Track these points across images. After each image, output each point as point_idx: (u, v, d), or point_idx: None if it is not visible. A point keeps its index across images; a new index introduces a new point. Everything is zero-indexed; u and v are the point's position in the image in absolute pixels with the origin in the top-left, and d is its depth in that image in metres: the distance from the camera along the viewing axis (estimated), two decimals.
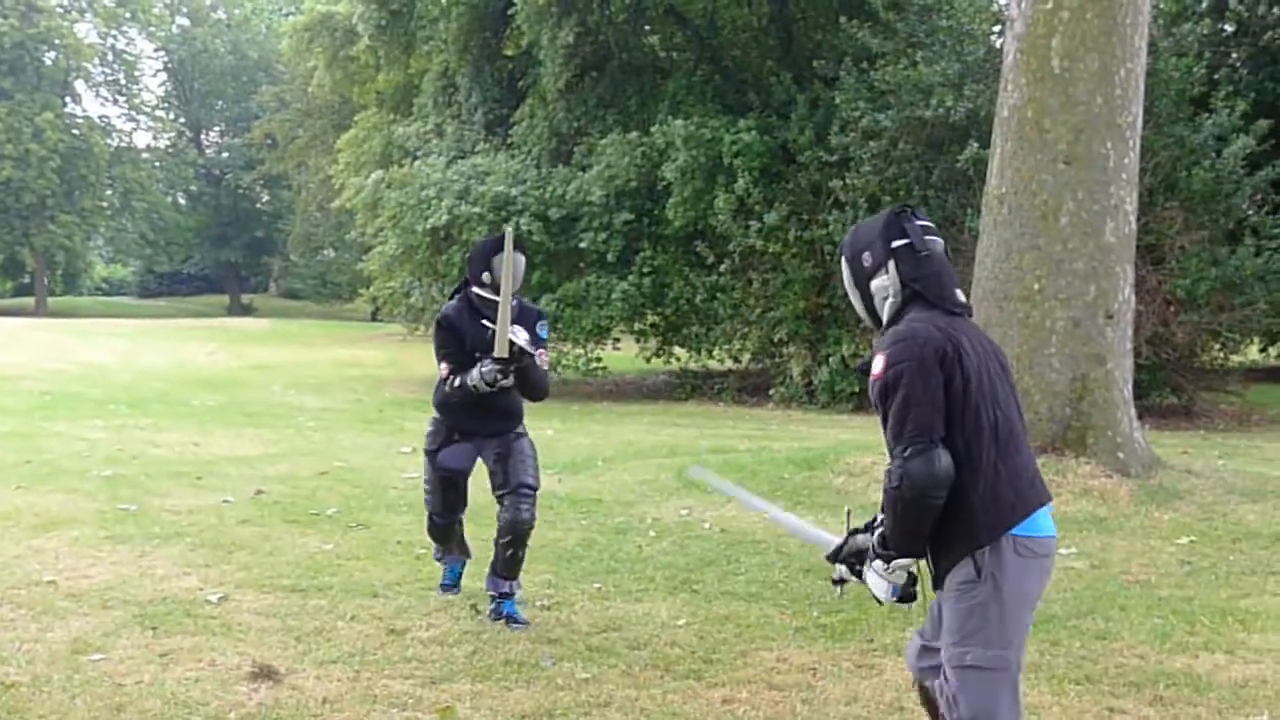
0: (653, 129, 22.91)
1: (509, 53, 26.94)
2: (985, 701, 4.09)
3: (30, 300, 62.15)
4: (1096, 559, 8.88)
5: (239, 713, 5.64)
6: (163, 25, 69.94)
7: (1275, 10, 24.41)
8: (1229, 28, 26.18)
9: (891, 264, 4.23)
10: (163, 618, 7.15)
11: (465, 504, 7.87)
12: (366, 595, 7.72)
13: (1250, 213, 20.20)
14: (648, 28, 26.38)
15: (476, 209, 22.82)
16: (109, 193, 65.34)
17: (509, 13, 24.63)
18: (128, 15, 66.61)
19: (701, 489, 11.52)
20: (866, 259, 4.29)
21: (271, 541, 9.34)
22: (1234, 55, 25.52)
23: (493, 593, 7.30)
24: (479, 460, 7.66)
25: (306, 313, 61.24)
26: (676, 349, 24.78)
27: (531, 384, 7.27)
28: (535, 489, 7.42)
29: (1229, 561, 8.85)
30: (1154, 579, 8.37)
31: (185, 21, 71.68)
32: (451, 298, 7.51)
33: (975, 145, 18.33)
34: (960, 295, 4.25)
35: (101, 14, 66.42)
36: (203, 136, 74.19)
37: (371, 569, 8.47)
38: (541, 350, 7.13)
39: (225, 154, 72.35)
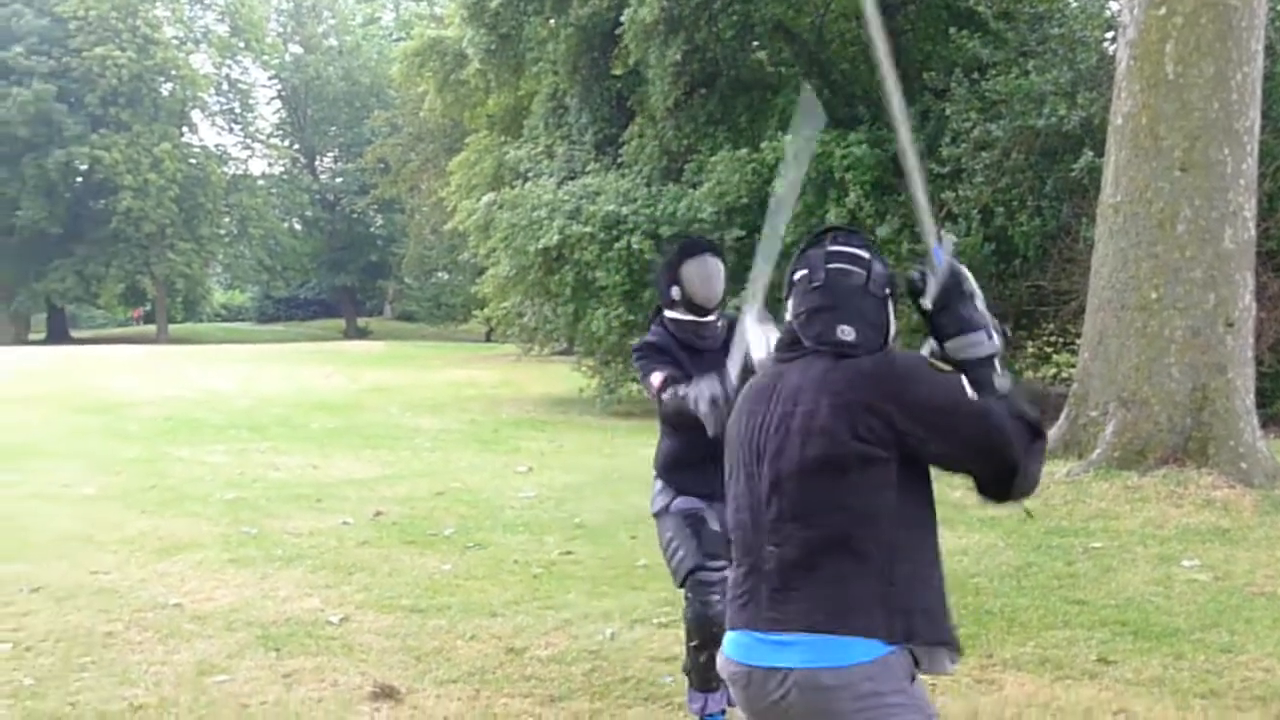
0: (762, 144, 22.88)
1: (617, 72, 26.98)
2: None
3: (152, 328, 63.30)
4: (1220, 570, 8.73)
5: None
6: (276, 53, 71.07)
7: None
8: None
9: (789, 298, 3.60)
10: (285, 639, 7.27)
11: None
12: (484, 615, 7.80)
13: None
14: (755, 43, 26.32)
15: (588, 228, 22.90)
16: (226, 220, 66.46)
17: (616, 33, 24.69)
18: (241, 45, 67.82)
19: None
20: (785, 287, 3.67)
21: (390, 562, 9.46)
22: None
23: (694, 710, 5.96)
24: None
25: (421, 335, 61.81)
26: None
27: None
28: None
29: None
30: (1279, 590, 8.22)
31: (298, 49, 72.76)
32: (647, 329, 6.30)
33: (1090, 154, 18.09)
34: (845, 332, 3.42)
35: (216, 44, 67.71)
36: (317, 162, 75.20)
37: (489, 588, 8.55)
38: None
39: (339, 179, 73.28)
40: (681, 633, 6.99)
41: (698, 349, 5.83)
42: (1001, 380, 3.42)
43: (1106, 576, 8.65)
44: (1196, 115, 11.34)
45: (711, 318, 5.95)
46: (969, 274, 3.52)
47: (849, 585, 3.23)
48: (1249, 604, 7.90)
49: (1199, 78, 11.37)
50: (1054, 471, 11.36)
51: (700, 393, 5.00)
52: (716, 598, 5.67)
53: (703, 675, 5.77)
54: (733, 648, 3.40)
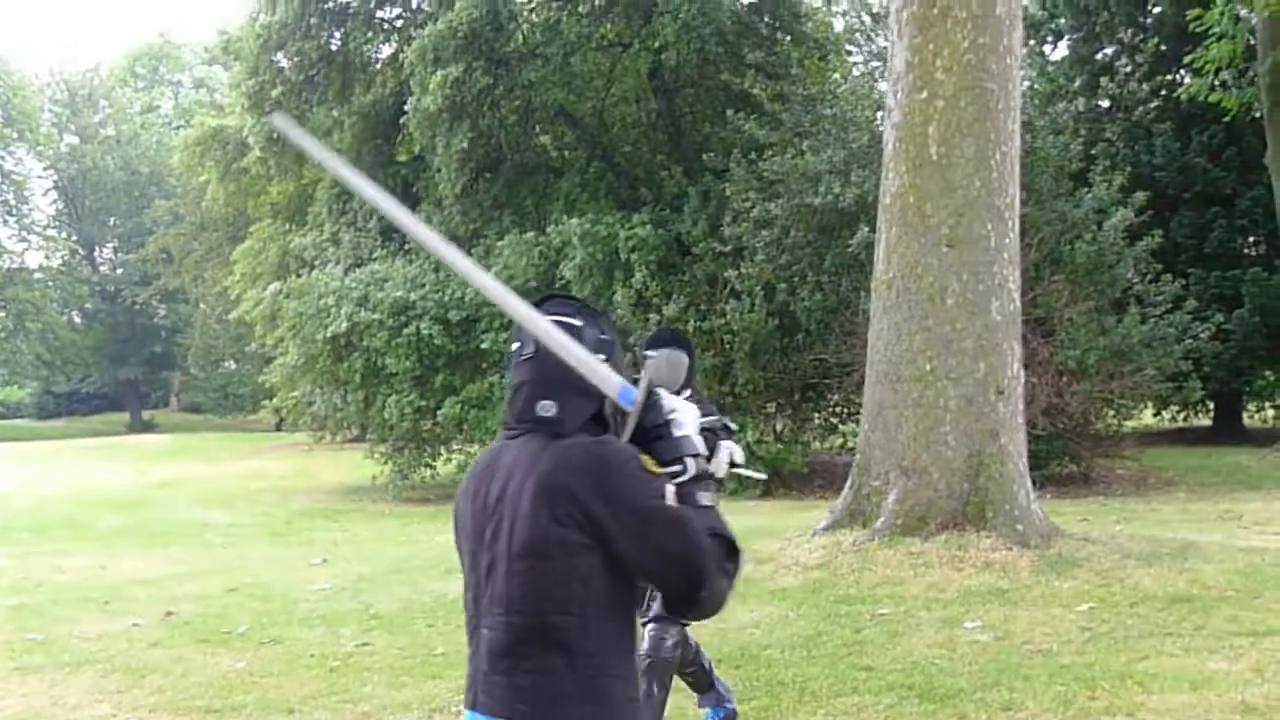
0: (549, 228, 23.16)
1: (402, 158, 27.12)
2: None
3: None
4: (1000, 630, 9.07)
5: None
6: (51, 143, 69.53)
7: (1144, 86, 25.20)
8: (1104, 104, 26.99)
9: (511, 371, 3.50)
10: None
11: None
12: (281, 712, 7.75)
13: (1134, 282, 20.72)
14: (538, 129, 26.70)
15: (376, 315, 22.92)
16: (1, 315, 64.57)
17: (400, 120, 24.84)
18: (15, 135, 66.19)
19: None
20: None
21: (184, 663, 9.32)
22: (1109, 131, 26.29)
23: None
24: None
25: (209, 426, 60.69)
26: None
27: None
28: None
29: (1127, 625, 9.07)
30: (1056, 647, 8.57)
31: (74, 139, 71.30)
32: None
33: (865, 229, 18.68)
34: (545, 408, 3.30)
35: None
36: (96, 253, 73.56)
37: (285, 684, 8.48)
38: None
39: (120, 270, 71.75)
40: None
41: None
42: (706, 495, 3.29)
43: (893, 641, 8.93)
44: (960, 193, 11.85)
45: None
46: (663, 401, 3.29)
47: (550, 676, 3.18)
48: (1027, 662, 8.23)
49: (961, 157, 11.88)
50: (841, 541, 11.68)
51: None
52: (668, 645, 6.36)
53: (696, 685, 6.77)
54: None
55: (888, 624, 9.45)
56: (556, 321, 3.30)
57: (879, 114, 21.98)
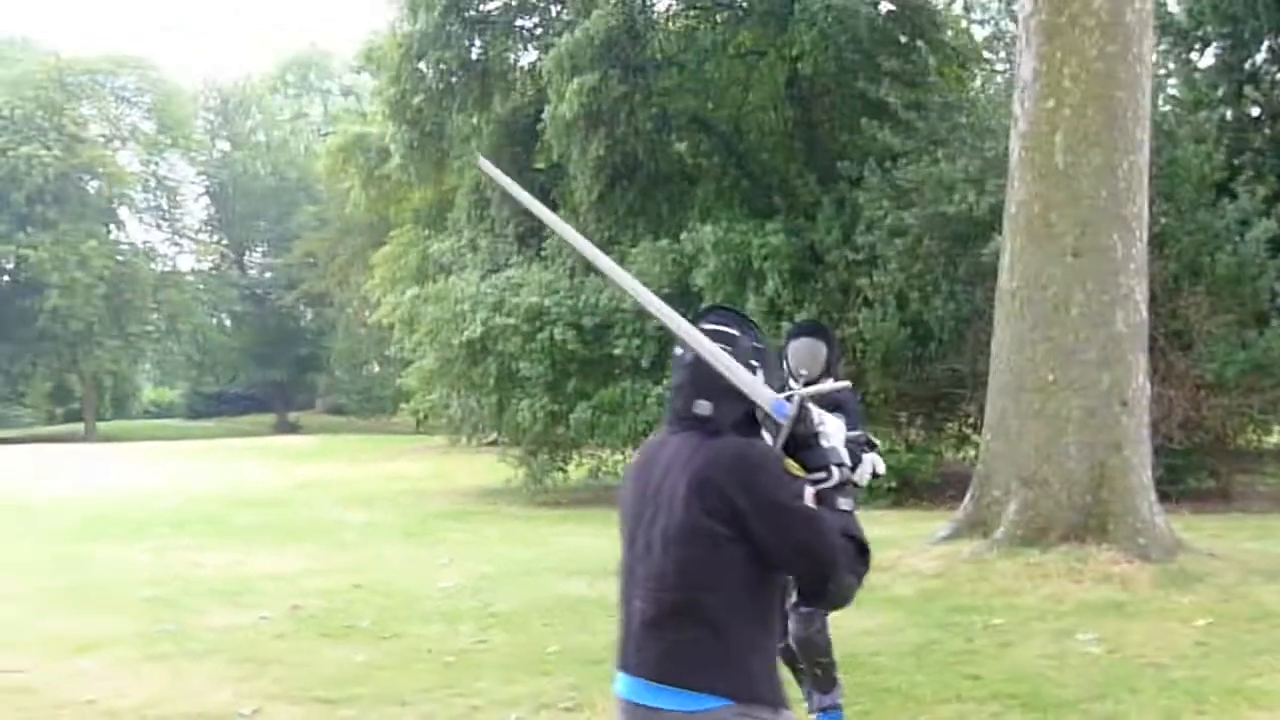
0: (682, 235, 23.27)
1: (539, 165, 27.42)
2: None
3: (80, 426, 62.85)
4: (1113, 643, 9.01)
5: None
6: (203, 150, 71.24)
7: None
8: (1254, 112, 26.48)
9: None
10: None
11: None
12: (394, 703, 7.94)
13: (1279, 294, 20.31)
14: (674, 136, 26.80)
15: (511, 320, 23.16)
16: (155, 316, 66.22)
17: (538, 127, 25.13)
18: (169, 142, 67.88)
19: None
20: None
21: (305, 654, 9.57)
22: (1255, 140, 25.75)
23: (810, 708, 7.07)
24: None
25: (352, 428, 61.65)
26: None
27: None
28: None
29: (1244, 642, 8.97)
30: (1168, 661, 8.50)
31: (226, 145, 73.04)
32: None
33: (999, 238, 18.56)
34: (701, 408, 3.60)
35: (143, 142, 67.78)
36: (245, 257, 75.23)
37: (400, 678, 8.68)
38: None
39: (268, 274, 73.26)
40: (588, 716, 7.27)
41: None
42: (845, 501, 3.61)
43: (1003, 652, 8.91)
44: (1086, 203, 11.77)
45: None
46: (813, 415, 3.58)
47: (695, 646, 3.46)
48: (1138, 675, 8.17)
49: (1087, 167, 11.81)
50: (960, 550, 11.66)
51: None
52: (817, 626, 6.78)
53: (819, 680, 6.91)
54: (619, 684, 3.65)
55: (1000, 634, 9.43)
56: (714, 330, 3.70)
57: None
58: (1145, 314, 12.16)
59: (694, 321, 3.80)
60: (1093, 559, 11.05)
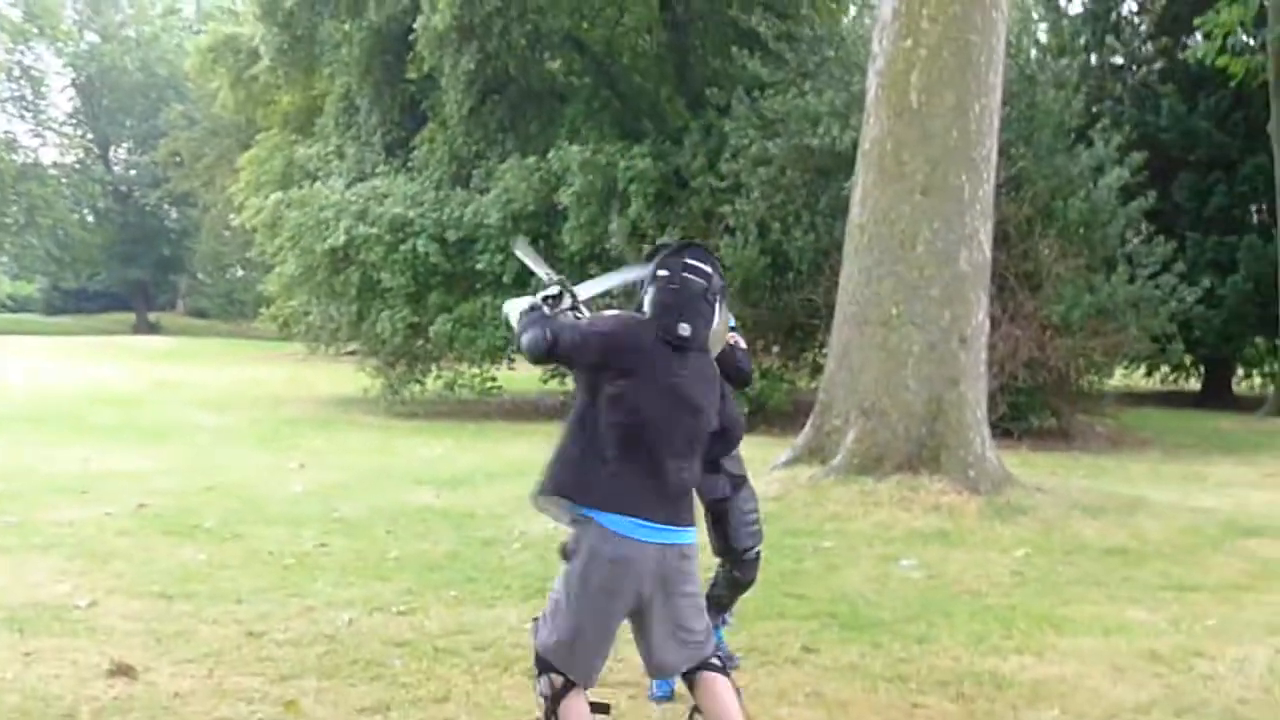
0: (550, 154, 23.29)
1: (411, 76, 27.18)
2: (560, 652, 4.77)
3: None
4: (934, 570, 9.38)
5: (92, 706, 5.98)
6: (71, 41, 69.54)
7: (1149, 46, 25.28)
8: (1118, 61, 27.07)
9: (651, 288, 4.87)
10: (30, 621, 7.45)
11: None
12: (231, 601, 8.06)
13: (1128, 241, 20.87)
14: (547, 54, 26.74)
15: (374, 230, 23.09)
16: (14, 209, 64.75)
17: (411, 38, 24.92)
18: (35, 31, 66.19)
19: None
20: (646, 278, 4.94)
21: (147, 551, 9.64)
22: (1115, 90, 26.37)
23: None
24: None
25: (214, 331, 61.08)
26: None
27: None
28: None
29: (1058, 572, 9.39)
30: (984, 588, 8.88)
31: (95, 38, 71.29)
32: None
33: None
34: (683, 329, 4.76)
35: (8, 29, 65.97)
36: (111, 153, 73.70)
37: (240, 577, 8.79)
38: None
39: (133, 171, 71.95)
40: (420, 620, 7.45)
41: None
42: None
43: (829, 574, 9.24)
44: (937, 143, 12.07)
45: None
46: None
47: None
48: (953, 600, 8.54)
49: (940, 107, 12.10)
50: (797, 476, 12.00)
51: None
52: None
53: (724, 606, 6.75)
54: (629, 525, 4.64)
55: (828, 557, 9.77)
56: (694, 267, 4.87)
57: None
58: (989, 254, 12.52)
59: (672, 254, 4.91)
60: (924, 489, 11.44)
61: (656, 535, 4.69)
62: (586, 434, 4.75)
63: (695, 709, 5.08)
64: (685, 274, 4.84)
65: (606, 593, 4.67)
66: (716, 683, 4.90)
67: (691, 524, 4.86)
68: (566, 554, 4.76)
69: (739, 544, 6.63)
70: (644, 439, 4.70)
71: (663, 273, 4.86)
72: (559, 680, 4.74)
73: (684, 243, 5.13)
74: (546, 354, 4.70)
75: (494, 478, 14.36)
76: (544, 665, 4.79)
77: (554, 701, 4.76)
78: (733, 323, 7.03)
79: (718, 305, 4.91)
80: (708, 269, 4.88)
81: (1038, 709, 6.30)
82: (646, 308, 4.86)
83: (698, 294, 4.82)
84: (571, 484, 4.74)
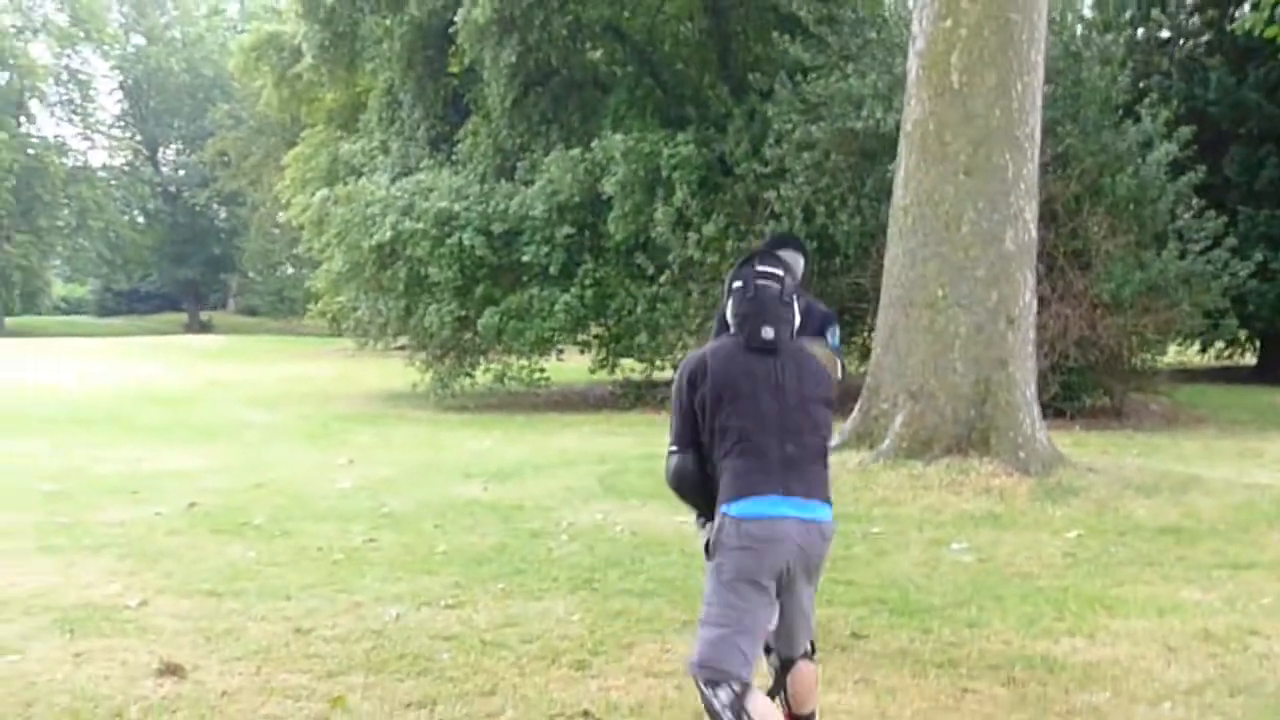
0: (594, 144, 23.26)
1: (453, 70, 27.23)
2: (709, 652, 4.74)
3: None
4: (985, 553, 9.29)
5: (142, 705, 6.00)
6: (117, 44, 70.12)
7: (1195, 19, 24.99)
8: (1162, 35, 26.79)
9: (730, 300, 5.10)
10: (81, 621, 7.49)
11: None
12: (279, 598, 8.07)
13: (1179, 217, 20.66)
14: (589, 44, 26.70)
15: (420, 225, 23.12)
16: (65, 212, 65.43)
17: (451, 31, 24.93)
18: (82, 35, 66.81)
19: (622, 492, 11.97)
20: (725, 290, 5.19)
21: (197, 550, 9.68)
22: (1162, 64, 26.08)
23: None
24: None
25: (265, 329, 61.45)
26: (623, 360, 25.07)
27: None
28: None
29: (1110, 553, 9.28)
30: (1035, 570, 8.79)
31: (140, 40, 71.87)
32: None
33: None
34: (767, 333, 4.97)
35: (56, 34, 66.62)
36: (159, 154, 74.28)
37: (288, 574, 8.81)
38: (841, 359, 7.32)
39: (182, 171, 72.51)
40: (468, 613, 7.44)
41: None
42: None
43: (879, 559, 9.18)
44: (980, 122, 11.96)
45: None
46: None
47: (825, 475, 5.03)
48: (1005, 583, 8.45)
49: (982, 86, 11.99)
50: (845, 461, 11.90)
51: None
52: None
53: None
54: (767, 506, 4.80)
55: (877, 542, 9.70)
56: (762, 272, 5.06)
57: None
58: (1034, 233, 12.41)
59: (744, 263, 5.14)
60: (974, 471, 11.35)
61: (793, 509, 4.83)
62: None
63: (775, 691, 5.27)
64: (759, 281, 5.05)
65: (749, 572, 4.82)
66: (810, 673, 5.37)
67: (825, 500, 4.98)
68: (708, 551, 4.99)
69: None
70: (753, 441, 4.87)
71: (737, 284, 5.08)
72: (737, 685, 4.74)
73: (755, 251, 5.36)
74: (696, 471, 5.03)
75: (542, 469, 14.37)
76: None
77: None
78: (836, 341, 7.17)
79: (795, 304, 5.10)
80: (779, 272, 5.09)
81: (1090, 691, 6.23)
82: (729, 319, 5.09)
83: (774, 298, 5.03)
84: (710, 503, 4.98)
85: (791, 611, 5.02)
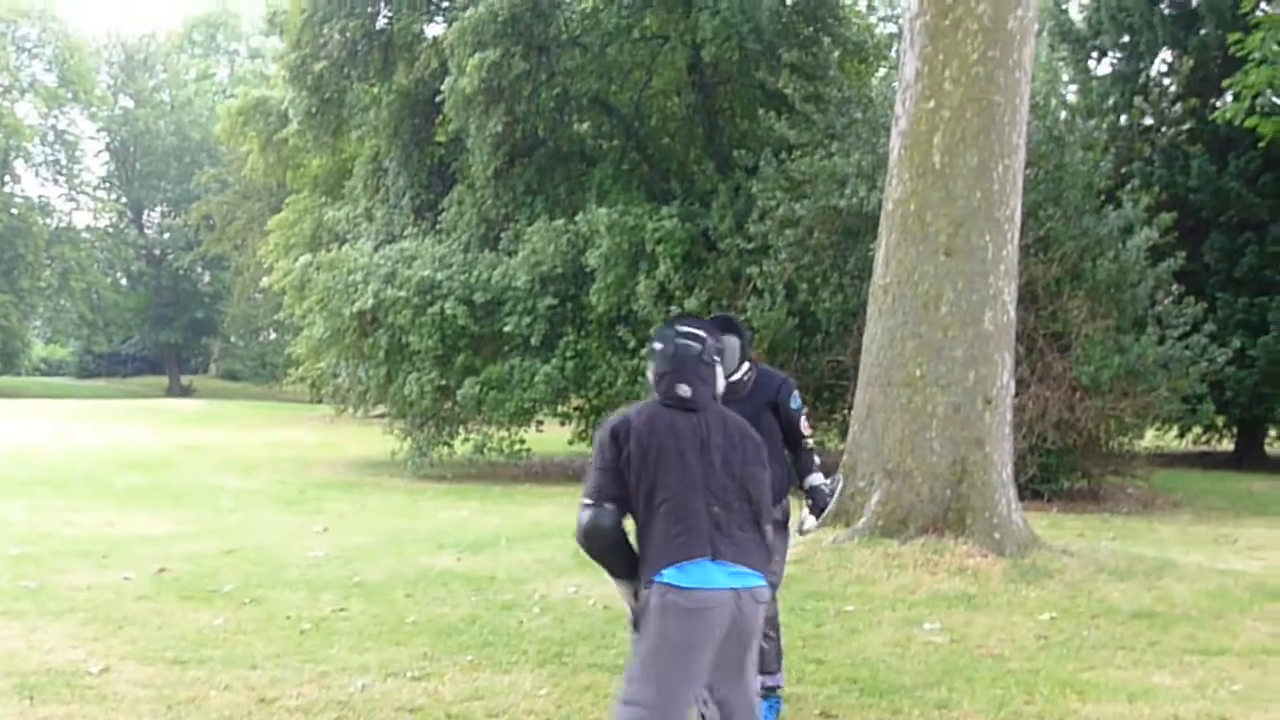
0: (578, 216, 23.31)
1: (439, 139, 27.32)
2: None
3: None
4: (957, 634, 9.25)
5: None
6: (105, 106, 70.29)
7: (1178, 107, 25.20)
8: (1148, 122, 27.00)
9: (651, 360, 5.24)
10: (42, 688, 7.41)
11: None
12: (245, 667, 7.99)
13: (1158, 302, 20.77)
14: (576, 116, 26.81)
15: (402, 293, 23.11)
16: (48, 272, 65.37)
17: (438, 100, 25.04)
18: (70, 96, 66.98)
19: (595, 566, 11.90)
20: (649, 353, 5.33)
21: (163, 616, 9.60)
22: (1144, 150, 26.27)
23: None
24: None
25: (246, 394, 61.31)
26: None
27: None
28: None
29: (1083, 637, 9.24)
30: (1007, 652, 8.75)
31: (128, 102, 72.12)
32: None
33: None
34: (683, 390, 5.05)
35: (43, 94, 66.81)
36: (144, 217, 74.30)
37: (255, 642, 8.73)
38: (805, 420, 7.24)
39: (166, 234, 72.57)
40: (434, 685, 7.36)
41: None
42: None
43: (850, 638, 9.12)
44: (960, 203, 12.01)
45: (736, 377, 6.87)
46: None
47: (760, 539, 5.04)
48: (976, 665, 8.41)
49: (964, 168, 12.05)
50: (821, 539, 11.84)
51: None
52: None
53: (765, 656, 6.74)
54: (698, 574, 4.77)
55: (850, 620, 9.65)
56: (685, 333, 5.17)
57: None
58: (1013, 315, 12.43)
59: (666, 325, 5.28)
60: (949, 551, 11.30)
61: (724, 576, 4.81)
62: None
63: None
64: (679, 340, 5.15)
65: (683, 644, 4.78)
66: None
67: (757, 569, 4.93)
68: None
69: None
70: (679, 501, 4.86)
71: (658, 345, 5.20)
72: None
73: (678, 316, 5.76)
74: (613, 527, 4.95)
75: (516, 541, 14.28)
76: None
77: None
78: (799, 403, 7.15)
79: (717, 367, 5.21)
80: (700, 333, 5.19)
81: None
82: (649, 377, 5.20)
83: (693, 357, 5.11)
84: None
85: (732, 695, 4.94)
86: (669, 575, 4.74)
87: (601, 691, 7.55)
